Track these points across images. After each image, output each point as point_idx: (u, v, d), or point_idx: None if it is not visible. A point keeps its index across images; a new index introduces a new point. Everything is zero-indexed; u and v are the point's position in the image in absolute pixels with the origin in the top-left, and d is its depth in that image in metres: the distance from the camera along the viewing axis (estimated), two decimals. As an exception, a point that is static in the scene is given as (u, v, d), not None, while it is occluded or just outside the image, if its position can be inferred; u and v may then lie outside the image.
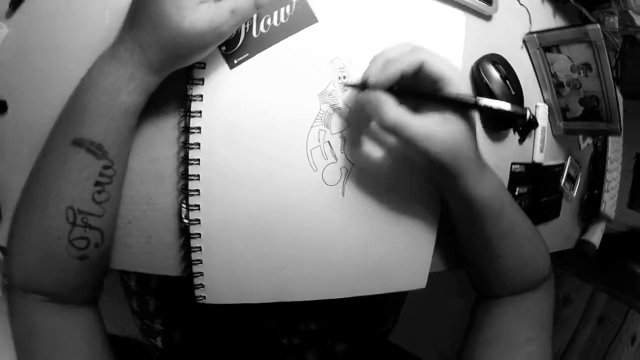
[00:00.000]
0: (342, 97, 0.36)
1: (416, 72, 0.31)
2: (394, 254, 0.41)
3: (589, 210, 0.58)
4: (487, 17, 0.46)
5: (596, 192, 0.57)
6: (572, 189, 0.55)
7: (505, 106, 0.31)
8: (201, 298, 0.37)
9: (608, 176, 0.58)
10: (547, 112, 0.50)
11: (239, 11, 0.28)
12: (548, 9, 0.52)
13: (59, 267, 0.32)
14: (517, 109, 0.31)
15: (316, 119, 0.36)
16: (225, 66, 0.33)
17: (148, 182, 0.35)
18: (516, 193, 0.49)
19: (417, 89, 0.33)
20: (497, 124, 0.45)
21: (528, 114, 0.31)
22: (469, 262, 0.44)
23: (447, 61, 0.32)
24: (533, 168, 0.51)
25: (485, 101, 0.31)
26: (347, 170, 0.38)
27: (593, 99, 0.47)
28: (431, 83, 0.32)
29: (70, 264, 0.31)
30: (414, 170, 0.39)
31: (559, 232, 0.54)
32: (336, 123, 0.37)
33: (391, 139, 0.37)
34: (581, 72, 0.47)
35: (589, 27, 0.43)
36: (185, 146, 0.34)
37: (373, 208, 0.39)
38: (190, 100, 0.33)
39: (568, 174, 0.54)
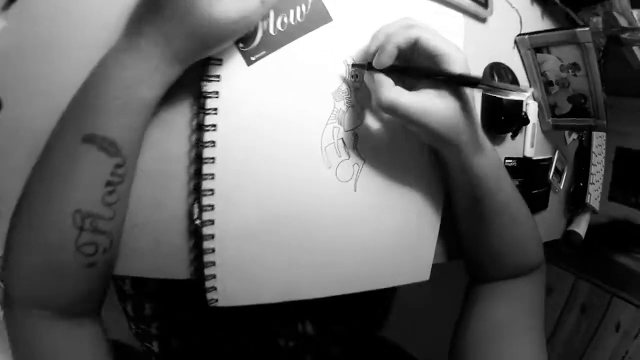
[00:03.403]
0: (355, 94, 0.37)
1: (414, 48, 0.32)
2: (399, 248, 0.42)
3: (575, 202, 0.61)
4: (482, 20, 0.48)
5: (581, 184, 0.60)
6: (560, 181, 0.58)
7: (512, 88, 0.31)
8: (213, 301, 0.35)
9: (593, 169, 0.61)
10: (537, 110, 0.53)
11: (268, 1, 0.28)
12: (537, 11, 0.55)
13: (64, 277, 0.29)
14: (521, 89, 0.32)
15: (330, 116, 0.36)
16: (243, 63, 0.32)
17: (156, 182, 0.34)
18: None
19: (418, 66, 0.33)
20: (496, 128, 0.48)
21: (529, 93, 0.33)
22: (466, 242, 0.44)
23: (443, 38, 0.31)
24: (524, 162, 0.54)
25: (494, 83, 0.32)
26: (359, 167, 0.38)
27: (580, 97, 0.50)
28: (428, 59, 0.32)
29: (77, 273, 0.29)
30: (420, 165, 0.40)
31: (547, 223, 0.57)
32: (349, 120, 0.37)
33: (400, 132, 0.37)
34: (570, 71, 0.49)
35: (579, 30, 0.46)
36: (199, 144, 0.33)
37: (381, 203, 0.40)
38: (205, 97, 0.32)
39: (556, 168, 0.57)
